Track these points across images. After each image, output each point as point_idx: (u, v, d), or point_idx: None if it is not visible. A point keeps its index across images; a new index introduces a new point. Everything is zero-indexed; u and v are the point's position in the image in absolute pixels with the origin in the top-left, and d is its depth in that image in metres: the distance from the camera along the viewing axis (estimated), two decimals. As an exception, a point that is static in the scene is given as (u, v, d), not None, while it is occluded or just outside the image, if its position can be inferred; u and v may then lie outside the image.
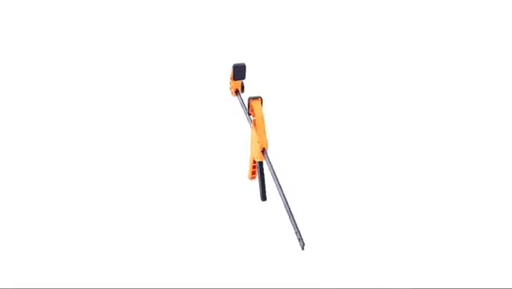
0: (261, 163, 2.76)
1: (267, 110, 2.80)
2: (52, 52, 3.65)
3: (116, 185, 2.94)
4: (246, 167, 2.95)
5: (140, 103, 3.39)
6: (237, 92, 3.01)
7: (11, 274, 2.57)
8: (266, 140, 2.72)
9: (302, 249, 2.49)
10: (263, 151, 2.72)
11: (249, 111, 2.81)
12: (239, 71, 2.94)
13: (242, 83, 3.00)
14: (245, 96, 2.91)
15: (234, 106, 3.03)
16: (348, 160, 3.09)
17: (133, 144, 3.15)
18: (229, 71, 3.00)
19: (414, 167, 3.07)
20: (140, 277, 2.59)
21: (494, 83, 3.57)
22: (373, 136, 3.23)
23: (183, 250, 2.69)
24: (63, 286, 2.54)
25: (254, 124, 2.75)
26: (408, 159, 3.11)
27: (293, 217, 2.54)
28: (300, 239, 2.49)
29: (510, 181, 3.01)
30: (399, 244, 2.72)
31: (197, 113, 3.34)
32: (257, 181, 2.82)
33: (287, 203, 2.58)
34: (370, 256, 2.67)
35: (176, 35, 3.82)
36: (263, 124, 2.74)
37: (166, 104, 3.37)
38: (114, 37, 3.78)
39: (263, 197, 2.80)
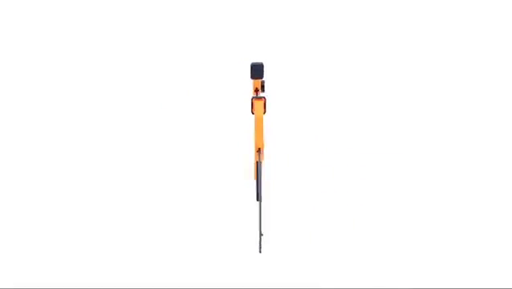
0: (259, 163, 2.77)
1: (272, 110, 2.81)
2: (54, 53, 3.66)
3: (126, 183, 2.98)
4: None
5: (155, 102, 3.41)
6: (256, 91, 3.00)
7: (11, 274, 2.61)
8: (262, 140, 2.72)
9: (260, 252, 2.52)
10: (258, 151, 2.72)
11: (252, 110, 2.83)
12: (256, 70, 2.93)
13: (262, 82, 2.97)
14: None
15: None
16: (348, 160, 3.09)
17: (147, 141, 3.18)
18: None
19: (413, 167, 3.06)
20: (139, 272, 2.61)
21: (494, 84, 3.54)
22: (373, 137, 3.22)
23: (167, 247, 2.72)
24: (63, 286, 2.57)
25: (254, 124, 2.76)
26: (407, 159, 3.10)
27: (260, 221, 2.58)
28: (260, 241, 2.53)
29: (510, 180, 2.99)
30: (399, 244, 2.72)
31: (210, 112, 3.35)
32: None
33: (260, 206, 2.61)
34: (370, 255, 2.67)
35: (186, 36, 3.83)
36: (261, 124, 2.74)
37: (173, 104, 3.39)
38: (126, 39, 3.79)
39: (258, 197, 2.80)
